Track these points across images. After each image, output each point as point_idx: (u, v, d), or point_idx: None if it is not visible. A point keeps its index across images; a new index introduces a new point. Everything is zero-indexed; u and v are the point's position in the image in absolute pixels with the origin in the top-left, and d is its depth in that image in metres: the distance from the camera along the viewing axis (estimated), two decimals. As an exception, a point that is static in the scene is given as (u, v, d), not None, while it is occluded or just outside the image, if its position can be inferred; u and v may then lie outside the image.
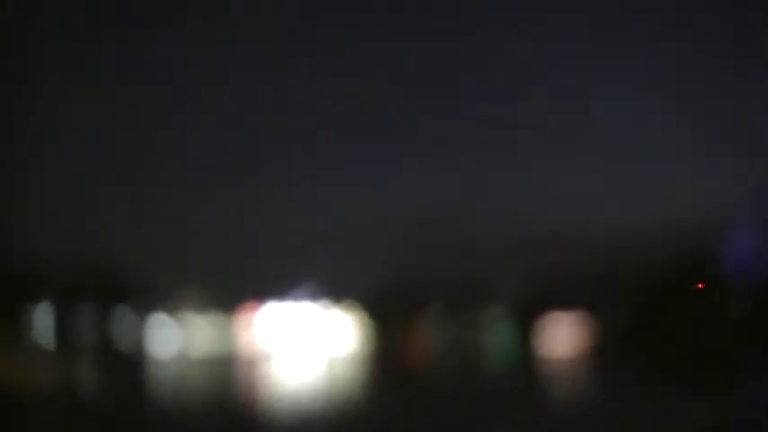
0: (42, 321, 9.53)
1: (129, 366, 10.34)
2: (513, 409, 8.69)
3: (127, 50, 9.41)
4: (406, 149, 9.88)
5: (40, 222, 9.47)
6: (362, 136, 10.14)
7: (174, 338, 9.40)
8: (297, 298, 9.09)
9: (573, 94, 9.53)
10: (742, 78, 8.56)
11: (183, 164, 9.80)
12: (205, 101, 9.80)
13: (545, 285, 9.42)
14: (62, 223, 9.48)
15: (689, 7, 8.65)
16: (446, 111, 9.97)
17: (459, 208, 9.37)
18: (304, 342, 9.35)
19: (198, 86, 9.71)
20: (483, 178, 9.81)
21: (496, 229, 9.01)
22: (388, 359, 9.96)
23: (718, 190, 8.86)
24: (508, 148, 10.08)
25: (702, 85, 8.76)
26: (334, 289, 9.15)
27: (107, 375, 10.20)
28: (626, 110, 9.37)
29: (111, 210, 9.65)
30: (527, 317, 9.38)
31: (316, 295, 9.11)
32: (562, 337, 9.37)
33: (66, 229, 9.47)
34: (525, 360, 10.04)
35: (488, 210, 9.31)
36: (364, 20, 9.47)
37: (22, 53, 9.30)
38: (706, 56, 8.63)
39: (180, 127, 9.80)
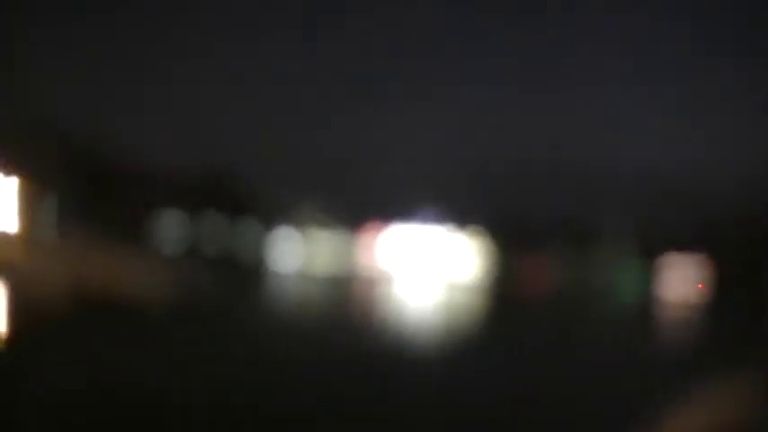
0: (169, 230, 9.20)
1: (250, 278, 8.89)
2: (620, 349, 8.71)
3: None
4: (525, 87, 11.47)
5: (171, 132, 10.50)
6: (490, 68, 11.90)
7: (297, 253, 8.97)
8: (422, 220, 9.45)
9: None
10: None
11: (315, 83, 11.22)
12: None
13: (666, 228, 9.95)
14: (193, 134, 10.42)
15: None
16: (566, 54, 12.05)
17: (580, 150, 10.63)
18: (426, 265, 8.83)
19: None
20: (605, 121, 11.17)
21: (617, 172, 10.15)
22: (508, 289, 8.51)
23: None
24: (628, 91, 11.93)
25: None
26: (460, 214, 9.73)
27: (227, 286, 8.88)
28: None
29: (246, 125, 10.77)
30: (646, 257, 9.59)
31: (441, 219, 9.54)
32: (679, 279, 9.24)
33: (197, 141, 10.41)
34: (642, 300, 8.84)
35: (608, 153, 10.50)
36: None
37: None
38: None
39: (308, 41, 11.70)
